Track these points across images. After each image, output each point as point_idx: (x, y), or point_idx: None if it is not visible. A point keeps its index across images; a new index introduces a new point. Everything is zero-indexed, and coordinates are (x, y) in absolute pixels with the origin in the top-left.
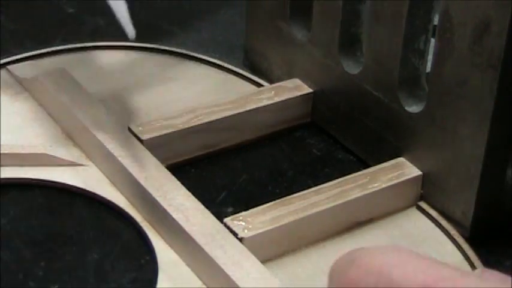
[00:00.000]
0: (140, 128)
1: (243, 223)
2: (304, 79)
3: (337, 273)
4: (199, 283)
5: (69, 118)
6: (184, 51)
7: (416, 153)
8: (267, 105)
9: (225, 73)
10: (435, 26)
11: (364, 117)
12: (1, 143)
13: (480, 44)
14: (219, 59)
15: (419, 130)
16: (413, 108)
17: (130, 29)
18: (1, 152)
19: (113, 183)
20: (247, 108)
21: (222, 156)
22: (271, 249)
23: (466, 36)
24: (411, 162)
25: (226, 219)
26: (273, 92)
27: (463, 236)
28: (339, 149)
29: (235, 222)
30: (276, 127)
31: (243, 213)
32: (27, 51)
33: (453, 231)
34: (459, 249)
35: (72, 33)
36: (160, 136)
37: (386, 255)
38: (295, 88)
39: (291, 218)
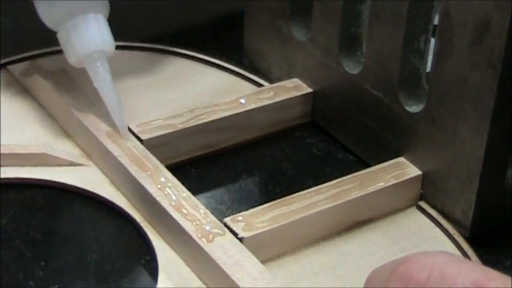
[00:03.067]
0: (140, 128)
1: (243, 223)
2: (304, 79)
3: (383, 273)
4: (199, 283)
5: (69, 118)
6: (184, 51)
7: (416, 153)
8: (267, 105)
9: (225, 73)
10: (435, 26)
11: (364, 117)
12: (1, 143)
13: (480, 44)
14: (219, 59)
15: (419, 130)
16: (413, 108)
17: (121, 126)
18: (1, 152)
19: (113, 183)
20: (247, 108)
21: (222, 156)
22: (271, 249)
23: (466, 36)
24: (411, 162)
25: (226, 219)
26: (272, 92)
27: (463, 236)
28: (339, 149)
29: (235, 222)
30: (276, 127)
31: (243, 213)
32: (27, 51)
33: (453, 231)
34: (459, 249)
35: None
36: (160, 136)
37: (437, 256)
38: (295, 88)
39: (291, 218)
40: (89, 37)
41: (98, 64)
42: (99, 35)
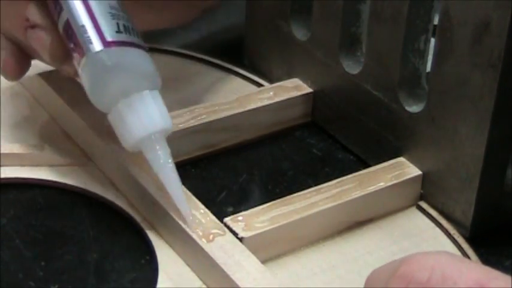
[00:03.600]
0: None
1: (243, 223)
2: (304, 79)
3: (383, 273)
4: (199, 283)
5: (69, 118)
6: (184, 51)
7: (416, 153)
8: (267, 105)
9: (225, 73)
10: (435, 26)
11: (364, 117)
12: (1, 143)
13: (480, 44)
14: (219, 59)
15: (419, 130)
16: (413, 108)
17: (187, 215)
18: (1, 152)
19: (113, 183)
20: (247, 108)
21: (222, 156)
22: (271, 249)
23: (466, 36)
24: (411, 162)
25: (226, 219)
26: (272, 92)
27: (463, 236)
28: (339, 149)
29: (235, 222)
30: (276, 127)
31: (243, 213)
32: None
33: (453, 231)
34: (459, 249)
35: None
36: None
37: (438, 256)
38: (295, 88)
39: (291, 218)
40: (146, 117)
41: (158, 147)
42: (159, 114)
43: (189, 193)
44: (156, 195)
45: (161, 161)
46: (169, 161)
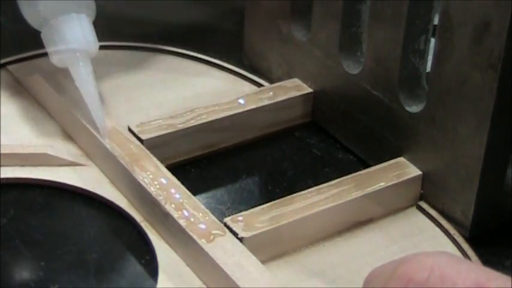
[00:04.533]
0: (140, 128)
1: (243, 223)
2: (304, 79)
3: (383, 273)
4: (199, 283)
5: (69, 118)
6: (184, 51)
7: (416, 153)
8: (267, 105)
9: (225, 73)
10: (435, 26)
11: (364, 117)
12: (1, 143)
13: (480, 44)
14: (219, 59)
15: (419, 130)
16: (413, 108)
17: (101, 126)
18: (1, 152)
19: (113, 183)
20: (247, 108)
21: (222, 156)
22: (271, 249)
23: (466, 36)
24: (411, 162)
25: (226, 219)
26: (272, 92)
27: (463, 236)
28: (339, 149)
29: (235, 222)
30: (276, 127)
31: (243, 213)
32: (27, 51)
33: (453, 231)
34: (459, 249)
35: None
36: (160, 136)
37: (437, 256)
38: (295, 88)
39: (291, 218)
40: (71, 36)
41: (81, 64)
42: (82, 34)
43: (189, 193)
44: (156, 195)
45: (82, 76)
46: (90, 77)
